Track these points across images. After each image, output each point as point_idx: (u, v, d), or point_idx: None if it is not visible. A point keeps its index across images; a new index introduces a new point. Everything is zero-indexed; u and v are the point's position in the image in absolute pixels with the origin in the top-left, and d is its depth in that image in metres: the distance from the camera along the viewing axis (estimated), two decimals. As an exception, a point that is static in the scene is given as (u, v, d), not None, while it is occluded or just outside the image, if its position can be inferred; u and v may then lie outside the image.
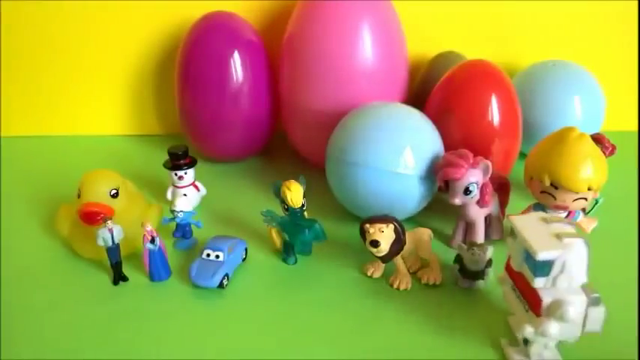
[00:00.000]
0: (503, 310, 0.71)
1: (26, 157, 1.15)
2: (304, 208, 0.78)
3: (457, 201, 0.79)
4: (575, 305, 0.57)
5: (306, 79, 0.97)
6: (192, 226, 0.86)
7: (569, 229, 0.60)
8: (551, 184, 0.74)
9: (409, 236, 0.76)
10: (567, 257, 0.57)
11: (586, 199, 0.76)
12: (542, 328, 0.59)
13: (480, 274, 0.75)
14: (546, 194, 0.76)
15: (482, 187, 0.80)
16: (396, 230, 0.73)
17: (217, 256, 0.77)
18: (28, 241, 0.87)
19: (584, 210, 0.80)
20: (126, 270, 0.79)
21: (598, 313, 0.58)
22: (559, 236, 0.58)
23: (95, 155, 1.15)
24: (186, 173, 0.93)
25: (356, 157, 0.82)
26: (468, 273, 0.75)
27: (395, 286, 0.77)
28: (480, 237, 0.83)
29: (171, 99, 1.13)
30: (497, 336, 0.68)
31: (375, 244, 0.73)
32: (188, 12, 1.08)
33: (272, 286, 0.78)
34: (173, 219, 0.84)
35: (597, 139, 0.77)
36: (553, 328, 0.58)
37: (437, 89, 0.94)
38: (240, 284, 0.78)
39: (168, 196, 0.95)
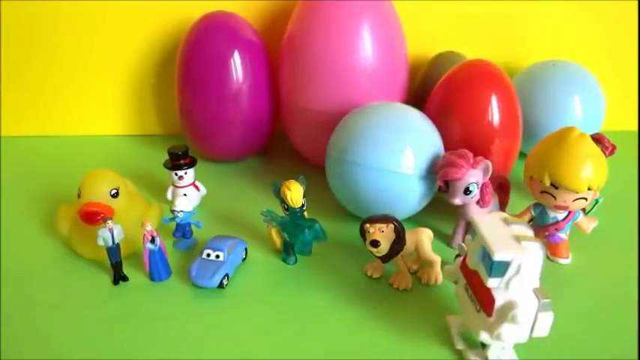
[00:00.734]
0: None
1: (26, 157, 1.15)
2: (304, 208, 0.78)
3: (457, 201, 0.80)
4: (527, 308, 0.57)
5: (306, 79, 0.97)
6: (192, 226, 0.86)
7: (529, 232, 0.60)
8: (552, 184, 0.74)
9: (409, 236, 0.76)
10: (523, 260, 0.57)
11: (586, 199, 0.75)
12: (497, 332, 0.59)
13: (479, 274, 0.75)
14: (546, 194, 0.76)
15: (482, 187, 0.80)
16: (396, 230, 0.73)
17: (217, 256, 0.77)
18: (28, 241, 0.87)
19: (584, 210, 0.80)
20: (126, 270, 0.79)
21: (547, 319, 0.59)
22: (518, 239, 0.59)
23: (95, 155, 1.15)
24: (186, 173, 0.93)
25: (356, 157, 0.82)
26: (467, 273, 0.75)
27: (395, 286, 0.77)
28: (480, 237, 0.83)
29: (171, 99, 1.13)
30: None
31: (375, 244, 0.73)
32: (188, 12, 1.08)
33: (272, 286, 0.78)
34: (173, 219, 0.84)
35: (597, 139, 0.77)
36: (505, 330, 0.58)
37: (437, 89, 0.94)
38: (240, 284, 0.78)
39: (169, 196, 0.95)
